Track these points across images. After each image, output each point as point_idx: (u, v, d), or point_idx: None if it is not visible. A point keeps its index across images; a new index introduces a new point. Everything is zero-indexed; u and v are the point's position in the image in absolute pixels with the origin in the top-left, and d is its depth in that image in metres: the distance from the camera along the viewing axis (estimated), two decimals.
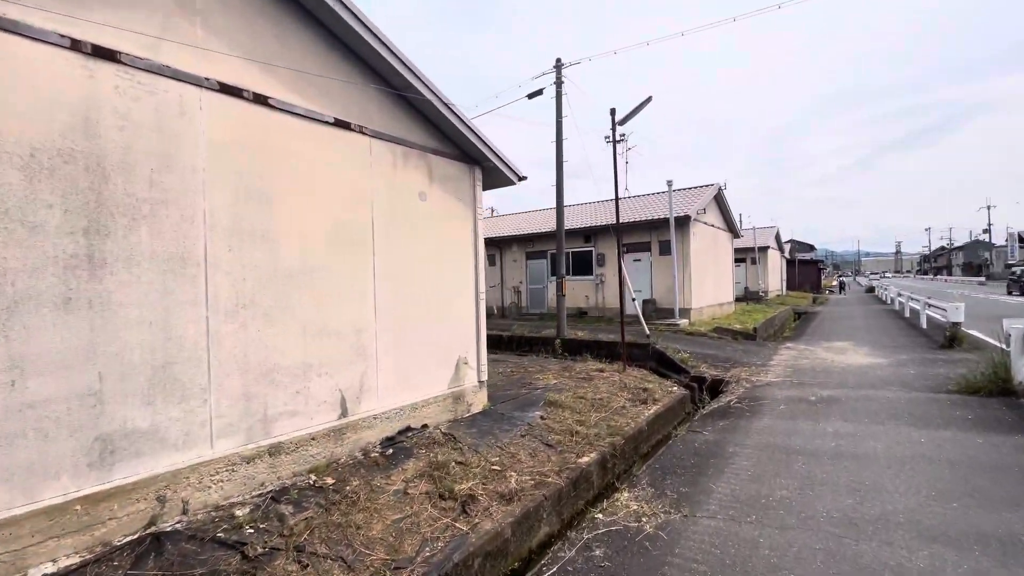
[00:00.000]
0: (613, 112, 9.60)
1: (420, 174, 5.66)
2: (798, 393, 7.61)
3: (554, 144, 12.60)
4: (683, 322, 14.94)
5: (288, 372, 4.25)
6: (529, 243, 19.61)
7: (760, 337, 15.08)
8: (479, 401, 6.39)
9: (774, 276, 34.06)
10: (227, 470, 3.81)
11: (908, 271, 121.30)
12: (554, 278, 19.77)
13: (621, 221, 17.82)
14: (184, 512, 3.55)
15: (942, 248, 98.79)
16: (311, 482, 4.19)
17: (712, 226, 18.13)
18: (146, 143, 3.44)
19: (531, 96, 13.27)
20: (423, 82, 5.22)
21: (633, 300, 11.74)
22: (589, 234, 17.98)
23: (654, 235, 16.31)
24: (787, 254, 43.13)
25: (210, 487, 3.70)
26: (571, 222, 19.12)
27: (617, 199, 9.45)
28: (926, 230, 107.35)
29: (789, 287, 42.17)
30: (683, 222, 15.46)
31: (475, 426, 5.79)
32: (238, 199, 3.96)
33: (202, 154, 3.74)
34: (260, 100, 4.12)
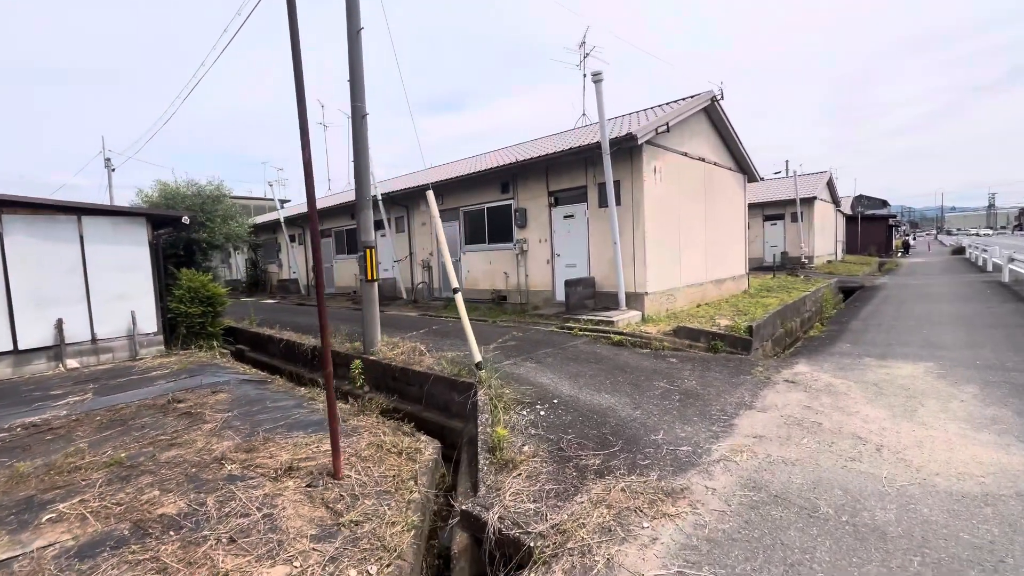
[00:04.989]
0: None
1: None
2: None
3: None
4: (627, 316, 8.91)
5: None
6: (438, 199, 13.83)
7: (760, 341, 8.81)
8: None
9: (825, 237, 26.24)
10: None
11: (1003, 227, 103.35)
12: (470, 248, 13.89)
13: (540, 155, 10.82)
14: None
15: None
16: None
17: (699, 159, 11.52)
18: None
19: None
20: None
21: (455, 291, 5.95)
22: (507, 181, 11.98)
23: (592, 175, 10.13)
24: (850, 209, 34.56)
25: None
26: (482, 164, 13.19)
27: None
28: None
29: (849, 250, 33.89)
30: (629, 148, 9.18)
31: None
32: None
33: None
34: None
